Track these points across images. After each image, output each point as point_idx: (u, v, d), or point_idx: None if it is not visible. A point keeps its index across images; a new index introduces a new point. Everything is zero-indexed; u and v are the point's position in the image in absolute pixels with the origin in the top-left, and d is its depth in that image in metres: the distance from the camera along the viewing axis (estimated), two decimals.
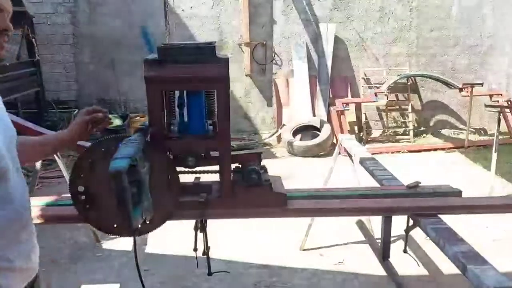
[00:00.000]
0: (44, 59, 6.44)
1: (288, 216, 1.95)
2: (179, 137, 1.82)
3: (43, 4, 6.44)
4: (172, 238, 3.08)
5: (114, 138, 1.66)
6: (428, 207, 1.91)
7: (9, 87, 5.60)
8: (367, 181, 2.91)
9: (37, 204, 1.92)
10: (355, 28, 6.64)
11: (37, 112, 6.44)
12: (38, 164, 3.47)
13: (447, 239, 1.67)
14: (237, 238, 3.62)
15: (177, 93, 1.87)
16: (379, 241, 2.92)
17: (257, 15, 6.57)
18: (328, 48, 6.52)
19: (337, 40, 6.62)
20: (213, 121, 1.91)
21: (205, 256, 1.94)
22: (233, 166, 1.96)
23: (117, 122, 5.93)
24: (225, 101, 1.79)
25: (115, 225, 1.77)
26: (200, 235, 1.93)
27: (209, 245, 1.94)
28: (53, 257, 3.41)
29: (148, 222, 1.57)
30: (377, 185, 2.44)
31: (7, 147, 1.27)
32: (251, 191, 1.86)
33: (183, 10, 6.45)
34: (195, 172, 2.00)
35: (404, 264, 2.74)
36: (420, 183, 2.15)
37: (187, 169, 1.86)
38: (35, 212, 1.85)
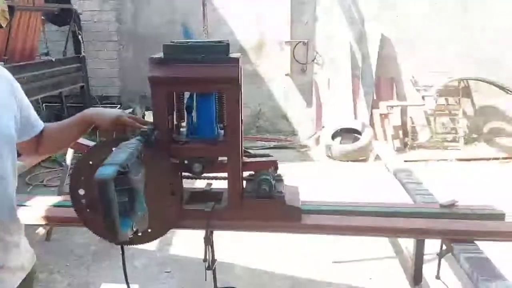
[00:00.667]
0: (90, 55, 6.60)
1: (302, 232, 1.79)
2: (186, 142, 1.70)
3: (90, 1, 6.60)
4: (198, 239, 3.00)
5: (116, 140, 1.57)
6: (463, 231, 1.67)
7: (55, 82, 5.78)
8: (399, 192, 2.67)
9: (42, 204, 1.88)
10: (403, 27, 6.26)
11: (82, 107, 6.61)
12: (68, 159, 3.50)
13: (481, 272, 1.43)
14: (264, 245, 3.46)
15: (187, 93, 1.76)
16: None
17: (300, 12, 6.37)
18: (374, 47, 6.20)
19: (383, 39, 6.28)
20: (225, 125, 1.77)
21: (213, 269, 1.81)
22: (247, 173, 1.82)
23: None
24: (236, 104, 1.64)
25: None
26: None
27: (215, 258, 1.80)
28: (77, 254, 3.43)
29: (140, 234, 1.46)
30: (410, 200, 2.21)
31: None
32: (261, 203, 1.71)
33: (223, 7, 6.38)
34: (209, 178, 1.89)
35: None
36: (457, 201, 1.90)
37: (198, 176, 1.75)
38: (39, 212, 1.81)
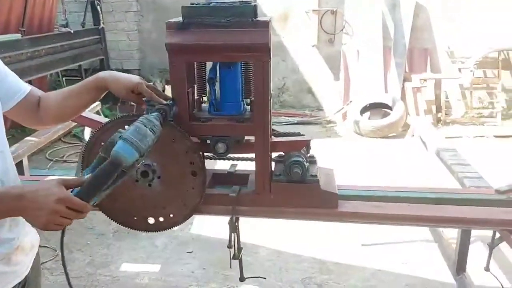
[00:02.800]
0: (109, 26, 6.42)
1: (338, 220, 1.59)
2: (208, 119, 1.50)
3: None
4: (219, 219, 2.85)
5: (130, 117, 1.39)
6: None
7: (74, 54, 5.65)
8: (443, 175, 2.43)
9: None
10: None
11: None
12: (87, 134, 3.37)
13: None
14: (290, 226, 3.29)
15: (209, 63, 1.55)
16: (453, 244, 2.45)
17: None
18: (407, 16, 5.80)
19: (418, 7, 5.86)
20: (251, 100, 1.57)
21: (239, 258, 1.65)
22: (275, 154, 1.63)
23: None
24: (265, 76, 1.42)
25: (135, 218, 1.54)
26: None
27: (241, 246, 1.64)
28: (99, 232, 3.34)
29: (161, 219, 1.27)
30: (457, 184, 1.98)
31: None
32: (292, 188, 1.51)
33: None
34: (233, 159, 1.70)
35: (484, 282, 2.25)
36: None
37: (222, 156, 1.56)
38: None
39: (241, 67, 1.52)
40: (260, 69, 1.41)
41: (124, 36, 6.61)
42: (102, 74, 1.38)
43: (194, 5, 1.39)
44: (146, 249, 3.11)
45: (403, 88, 5.78)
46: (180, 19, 1.41)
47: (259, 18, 1.40)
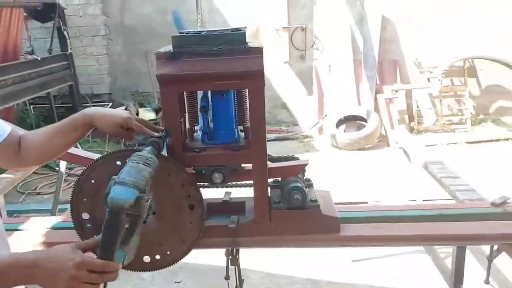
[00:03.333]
0: (77, 51, 6.27)
1: (341, 245, 1.56)
2: (202, 148, 1.45)
3: None
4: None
5: (122, 153, 1.32)
6: None
7: (42, 82, 5.45)
8: (430, 187, 2.45)
9: (39, 227, 1.63)
10: (404, 7, 6.00)
11: (71, 107, 6.30)
12: (63, 165, 3.24)
13: None
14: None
15: (200, 92, 1.51)
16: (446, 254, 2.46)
17: None
18: (375, 29, 5.94)
19: (385, 20, 6.03)
20: (245, 126, 1.53)
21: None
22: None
23: (150, 115, 5.69)
24: (261, 102, 1.40)
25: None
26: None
27: (242, 278, 1.58)
28: None
29: (158, 257, 1.22)
30: (448, 196, 1.99)
31: None
32: (293, 216, 1.47)
33: None
34: (227, 186, 1.65)
35: None
36: (508, 198, 1.68)
37: (218, 186, 1.50)
38: (37, 238, 1.56)
39: (234, 94, 1.48)
40: (255, 95, 1.38)
41: (93, 61, 6.47)
42: (87, 110, 1.31)
43: (184, 35, 1.35)
44: (133, 282, 2.98)
45: (375, 100, 5.89)
46: (169, 48, 1.36)
47: (251, 44, 1.38)
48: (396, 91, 5.82)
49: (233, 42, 1.35)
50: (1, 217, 1.24)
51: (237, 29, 1.39)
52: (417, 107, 6.11)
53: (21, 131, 1.29)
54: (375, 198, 3.22)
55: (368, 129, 5.44)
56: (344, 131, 5.68)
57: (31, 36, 5.71)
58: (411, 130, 5.89)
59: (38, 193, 4.52)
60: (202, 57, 1.33)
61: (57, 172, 3.56)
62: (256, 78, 1.35)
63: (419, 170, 2.51)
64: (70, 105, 6.28)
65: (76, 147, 3.57)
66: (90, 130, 1.32)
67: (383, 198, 3.25)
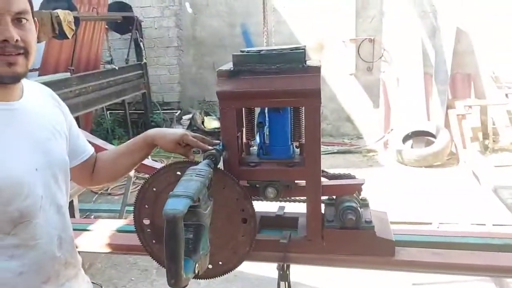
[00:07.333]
0: (150, 61, 6.66)
1: (395, 269, 1.51)
2: (257, 163, 1.48)
3: (151, 8, 6.65)
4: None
5: (182, 164, 1.39)
6: None
7: (119, 89, 5.86)
8: (500, 213, 2.29)
9: (105, 229, 1.75)
10: (482, 18, 5.66)
11: (143, 113, 6.69)
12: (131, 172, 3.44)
13: None
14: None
15: (258, 108, 1.55)
16: None
17: (365, 7, 5.99)
18: (448, 42, 5.67)
19: (459, 32, 5.73)
20: (301, 143, 1.54)
21: None
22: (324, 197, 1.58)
23: (214, 123, 5.87)
24: (316, 119, 1.40)
25: None
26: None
27: None
28: (142, 267, 3.35)
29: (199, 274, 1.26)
30: None
31: (45, 183, 1.06)
32: (346, 236, 1.45)
33: (284, 6, 6.15)
34: (281, 200, 1.67)
35: None
36: None
37: (272, 201, 1.53)
38: (102, 239, 1.68)
39: (290, 111, 1.50)
40: (311, 113, 1.38)
41: (165, 70, 6.83)
42: (149, 132, 1.42)
43: (244, 53, 1.40)
44: (190, 286, 3.08)
45: (446, 115, 5.60)
46: (230, 66, 1.42)
47: (309, 63, 1.39)
48: (470, 106, 5.49)
49: (291, 61, 1.37)
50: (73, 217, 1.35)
51: (297, 48, 1.40)
52: (493, 124, 5.71)
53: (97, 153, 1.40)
54: (440, 220, 3.05)
55: (437, 145, 5.18)
56: (411, 147, 5.46)
57: (111, 47, 6.15)
58: (485, 148, 5.51)
59: (110, 194, 4.83)
60: (260, 75, 1.37)
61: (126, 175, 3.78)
62: (313, 97, 1.35)
63: (488, 193, 2.35)
64: (143, 112, 6.67)
65: None
66: (154, 150, 1.42)
67: (448, 220, 3.07)
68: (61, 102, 1.27)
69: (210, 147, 1.39)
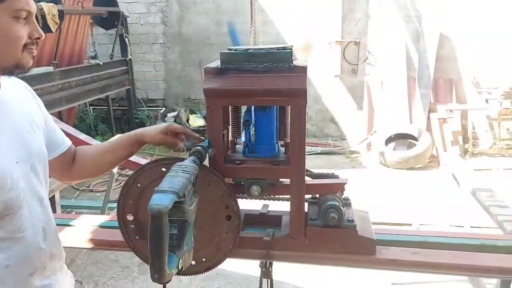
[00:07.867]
0: (136, 58, 6.60)
1: (376, 268, 1.54)
2: (243, 161, 1.49)
3: (137, 4, 6.59)
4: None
5: (166, 160, 1.39)
6: None
7: (103, 85, 5.80)
8: (478, 214, 2.35)
9: (88, 224, 1.74)
10: (465, 24, 5.79)
11: (127, 110, 6.62)
12: (115, 168, 3.41)
13: None
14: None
15: (244, 106, 1.56)
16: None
17: (351, 10, 6.06)
18: (431, 47, 5.78)
19: (442, 38, 5.85)
20: (286, 142, 1.56)
21: None
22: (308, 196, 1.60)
23: (199, 122, 5.85)
24: (301, 119, 1.42)
25: None
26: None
27: None
28: (124, 264, 3.33)
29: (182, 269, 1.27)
30: (494, 226, 1.90)
31: (25, 175, 1.06)
32: (328, 234, 1.47)
33: (271, 7, 6.17)
34: (265, 199, 1.68)
35: None
36: None
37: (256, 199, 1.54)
38: (84, 234, 1.67)
39: (277, 110, 1.52)
40: (297, 113, 1.40)
41: (150, 67, 6.78)
42: (136, 130, 1.44)
43: (232, 51, 1.41)
44: (171, 284, 3.07)
45: (428, 119, 5.71)
46: (217, 64, 1.42)
47: (296, 63, 1.41)
48: (451, 111, 5.61)
49: (278, 60, 1.38)
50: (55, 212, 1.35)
51: (284, 48, 1.42)
52: (473, 128, 5.84)
53: (76, 147, 1.39)
54: (420, 221, 3.12)
55: (418, 148, 5.27)
56: (394, 149, 5.55)
57: (95, 41, 6.08)
58: (465, 152, 5.64)
59: (91, 190, 4.77)
60: (248, 73, 1.38)
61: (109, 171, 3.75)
62: (299, 96, 1.36)
63: (467, 196, 2.41)
64: (127, 108, 6.61)
65: None
66: (140, 148, 1.42)
67: (428, 221, 3.14)
68: (35, 95, 1.24)
69: (201, 137, 1.41)
